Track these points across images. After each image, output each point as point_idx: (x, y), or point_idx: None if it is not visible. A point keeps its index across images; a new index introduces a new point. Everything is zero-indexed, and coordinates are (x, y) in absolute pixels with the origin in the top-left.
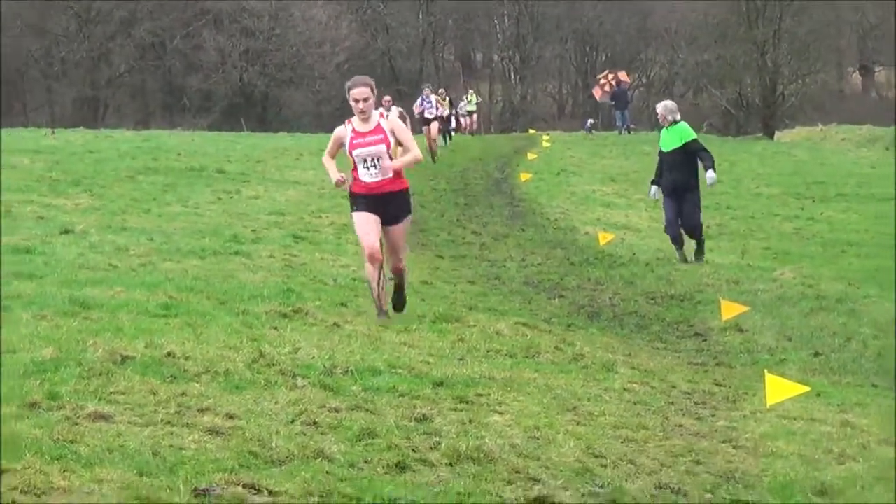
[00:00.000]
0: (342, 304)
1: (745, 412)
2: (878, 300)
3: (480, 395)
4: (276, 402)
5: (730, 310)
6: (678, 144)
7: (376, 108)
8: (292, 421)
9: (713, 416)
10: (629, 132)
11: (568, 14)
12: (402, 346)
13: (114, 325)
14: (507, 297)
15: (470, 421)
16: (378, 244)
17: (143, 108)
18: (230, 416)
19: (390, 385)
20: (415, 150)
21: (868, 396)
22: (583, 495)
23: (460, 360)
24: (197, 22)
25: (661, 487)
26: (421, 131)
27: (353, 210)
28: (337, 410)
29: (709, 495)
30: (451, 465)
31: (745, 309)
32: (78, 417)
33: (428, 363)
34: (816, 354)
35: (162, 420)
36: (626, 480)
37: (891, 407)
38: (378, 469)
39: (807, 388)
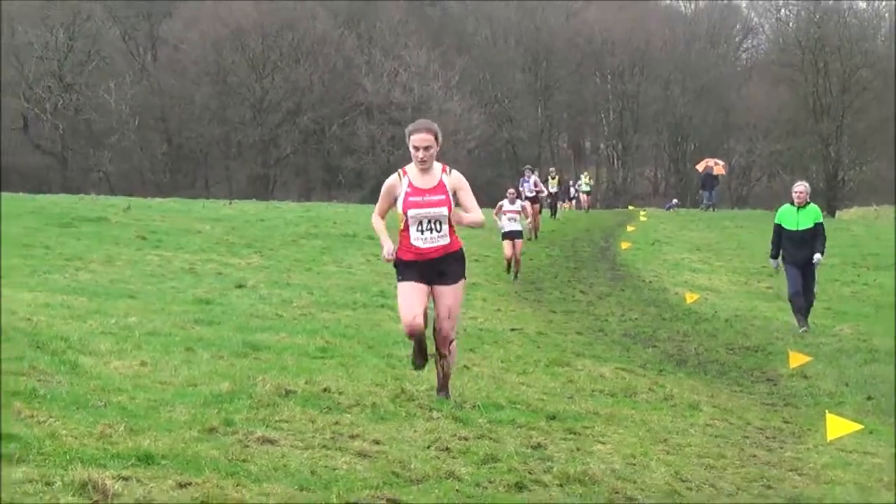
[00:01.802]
0: (471, 350)
1: (808, 446)
2: None
3: (586, 428)
4: (414, 431)
5: (796, 360)
6: (810, 224)
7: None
8: (428, 447)
9: (782, 448)
10: (713, 210)
11: (663, 109)
12: (520, 386)
13: (279, 364)
14: (609, 346)
15: (577, 449)
16: (421, 319)
17: (306, 183)
18: (376, 442)
19: (510, 418)
20: (479, 213)
21: None
22: None
23: (569, 398)
24: (352, 112)
25: None
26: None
27: (399, 279)
28: (466, 438)
29: None
30: (561, 485)
31: (809, 359)
32: (248, 441)
33: (542, 400)
34: (870, 398)
35: (319, 444)
36: (708, 501)
37: None
38: (500, 488)
39: (861, 427)
